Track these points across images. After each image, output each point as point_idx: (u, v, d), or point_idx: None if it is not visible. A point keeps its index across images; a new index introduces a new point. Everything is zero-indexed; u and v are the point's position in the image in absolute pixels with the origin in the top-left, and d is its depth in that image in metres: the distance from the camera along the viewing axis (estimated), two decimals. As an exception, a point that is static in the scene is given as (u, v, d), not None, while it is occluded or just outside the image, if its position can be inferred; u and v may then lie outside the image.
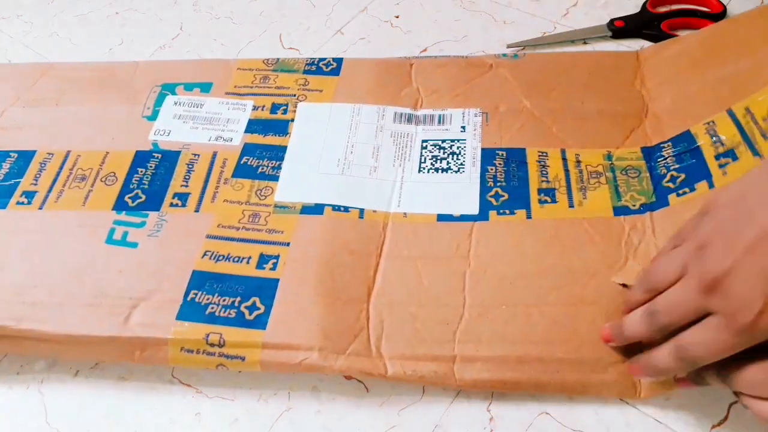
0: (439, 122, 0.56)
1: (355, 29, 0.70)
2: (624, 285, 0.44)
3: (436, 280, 0.47)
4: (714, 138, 0.50)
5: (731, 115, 0.50)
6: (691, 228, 0.36)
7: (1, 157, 0.56)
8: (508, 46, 0.65)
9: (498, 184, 0.51)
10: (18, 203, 0.53)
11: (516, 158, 0.53)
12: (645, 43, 0.64)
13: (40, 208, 0.52)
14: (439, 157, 0.54)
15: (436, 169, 0.53)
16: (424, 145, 0.55)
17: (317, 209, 0.51)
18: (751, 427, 0.41)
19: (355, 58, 0.63)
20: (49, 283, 0.48)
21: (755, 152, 0.47)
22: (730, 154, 0.48)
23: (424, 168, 0.53)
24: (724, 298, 0.31)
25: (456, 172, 0.53)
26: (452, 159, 0.54)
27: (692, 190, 0.48)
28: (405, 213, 0.51)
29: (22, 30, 0.74)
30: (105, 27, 0.73)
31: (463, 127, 0.56)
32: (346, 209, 0.51)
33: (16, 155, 0.56)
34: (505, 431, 0.42)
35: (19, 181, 0.54)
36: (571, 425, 0.42)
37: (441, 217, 0.50)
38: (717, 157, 0.49)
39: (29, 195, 0.53)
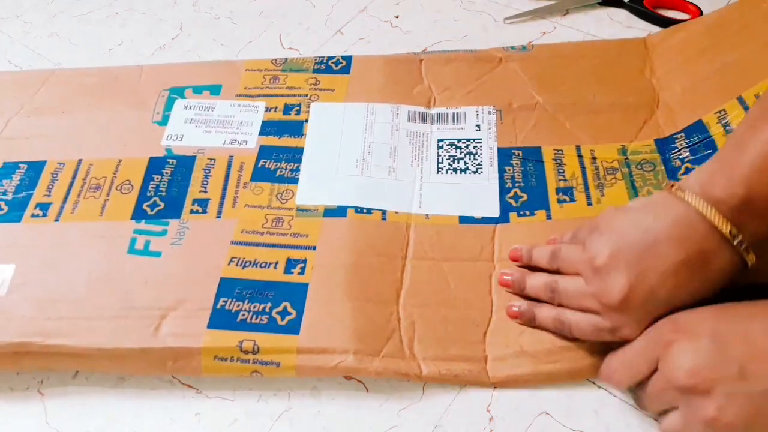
0: (454, 121, 0.56)
1: (355, 29, 0.69)
2: None
3: (463, 282, 0.47)
4: (727, 128, 0.50)
5: (741, 102, 0.51)
6: (587, 234, 0.43)
7: (10, 168, 0.56)
8: (505, 20, 0.67)
9: (516, 184, 0.52)
10: (33, 215, 0.52)
11: (532, 157, 0.53)
12: (633, 18, 0.66)
13: (56, 220, 0.52)
14: (456, 157, 0.54)
15: (455, 170, 0.53)
16: (440, 144, 0.55)
17: (340, 212, 0.51)
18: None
19: (364, 56, 0.63)
20: (73, 297, 0.47)
21: None
22: None
23: (442, 168, 0.54)
24: (599, 285, 0.40)
25: (474, 172, 0.53)
26: (469, 159, 0.54)
27: None
28: (427, 215, 0.51)
29: (22, 30, 0.74)
30: (105, 27, 0.73)
31: (478, 126, 0.56)
32: (369, 211, 0.51)
33: (25, 166, 0.55)
34: (505, 431, 0.42)
35: (32, 193, 0.54)
36: (571, 425, 0.42)
37: (463, 219, 0.50)
38: None
39: (44, 207, 0.53)
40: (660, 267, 0.39)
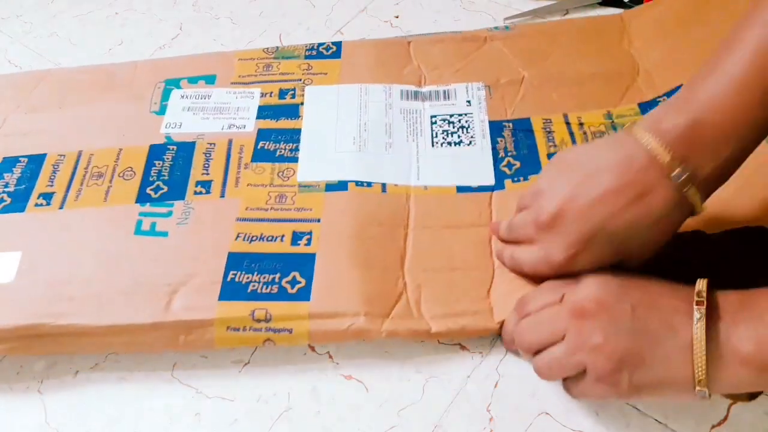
0: (445, 98, 0.58)
1: (355, 29, 0.70)
2: None
3: (465, 247, 0.49)
4: None
5: None
6: (532, 192, 0.45)
7: (10, 162, 0.56)
8: (505, 20, 0.68)
9: (509, 153, 0.54)
10: (36, 205, 0.52)
11: (522, 127, 0.55)
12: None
13: (61, 208, 0.52)
14: (449, 132, 0.56)
15: (449, 143, 0.55)
16: (434, 120, 0.57)
17: (341, 186, 0.52)
18: (751, 428, 0.41)
19: (354, 41, 0.64)
20: (81, 278, 0.47)
21: None
22: None
23: (437, 142, 0.55)
24: (535, 208, 0.43)
25: (468, 144, 0.55)
26: (462, 132, 0.55)
27: None
28: (425, 186, 0.52)
29: (22, 30, 0.74)
30: (105, 27, 0.73)
31: (469, 102, 0.57)
32: (369, 184, 0.52)
33: (26, 160, 0.56)
34: (505, 431, 0.42)
35: (34, 184, 0.54)
36: (571, 425, 0.42)
37: (460, 189, 0.52)
38: None
39: (47, 197, 0.53)
40: (593, 192, 0.40)
